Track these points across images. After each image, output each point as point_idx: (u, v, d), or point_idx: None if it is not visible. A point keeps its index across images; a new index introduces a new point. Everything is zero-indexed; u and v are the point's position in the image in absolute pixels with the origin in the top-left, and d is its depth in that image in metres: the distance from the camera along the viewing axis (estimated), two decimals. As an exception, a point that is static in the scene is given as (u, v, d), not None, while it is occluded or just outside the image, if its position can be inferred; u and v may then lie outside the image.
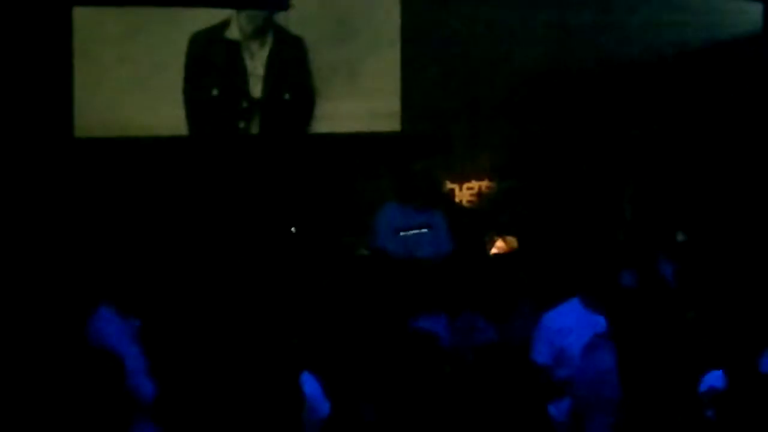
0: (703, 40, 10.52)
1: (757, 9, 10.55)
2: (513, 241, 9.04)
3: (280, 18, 9.83)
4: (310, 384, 5.54)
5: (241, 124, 9.84)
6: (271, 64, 9.85)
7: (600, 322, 6.35)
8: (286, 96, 9.94)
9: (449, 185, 10.10)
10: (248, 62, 9.82)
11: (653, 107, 10.37)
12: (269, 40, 9.87)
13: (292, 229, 9.58)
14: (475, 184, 10.23)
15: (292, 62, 9.92)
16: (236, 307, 7.22)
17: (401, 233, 8.69)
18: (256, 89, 9.84)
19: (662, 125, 10.26)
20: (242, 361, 5.46)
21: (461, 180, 10.20)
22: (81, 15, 9.36)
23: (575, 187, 9.77)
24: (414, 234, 8.71)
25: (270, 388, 3.49)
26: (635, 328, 5.59)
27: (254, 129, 9.87)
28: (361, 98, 9.99)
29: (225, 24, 9.75)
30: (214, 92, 9.73)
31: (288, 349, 5.52)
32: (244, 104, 9.81)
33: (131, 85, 9.48)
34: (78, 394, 4.86)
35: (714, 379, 5.63)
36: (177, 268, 8.05)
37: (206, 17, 9.69)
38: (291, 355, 5.44)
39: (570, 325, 6.66)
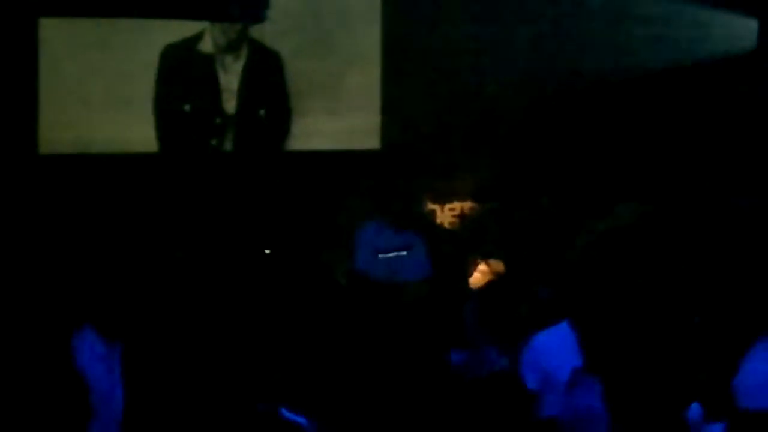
0: (696, 57, 10.48)
1: (752, 26, 10.52)
2: (497, 264, 8.88)
3: (256, 31, 9.65)
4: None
5: (214, 141, 9.67)
6: (245, 79, 9.68)
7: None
8: (262, 112, 9.77)
9: (431, 206, 9.93)
10: (222, 76, 9.66)
11: (643, 125, 10.28)
12: (244, 53, 9.72)
13: (266, 251, 9.39)
14: (457, 205, 10.10)
15: (268, 77, 9.75)
16: (210, 333, 7.04)
17: (380, 255, 8.49)
18: (230, 105, 9.68)
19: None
20: (221, 392, 5.27)
21: (443, 200, 10.07)
22: (47, 26, 9.16)
23: (562, 208, 9.66)
24: (394, 256, 8.52)
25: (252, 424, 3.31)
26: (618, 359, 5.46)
27: (228, 146, 9.71)
28: (340, 115, 9.86)
29: (198, 37, 9.58)
30: (186, 107, 9.54)
31: (269, 383, 5.28)
32: (218, 120, 9.65)
33: (99, 100, 9.32)
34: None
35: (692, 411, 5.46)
36: (148, 290, 7.88)
37: (179, 29, 9.47)
38: (272, 390, 5.20)
39: (556, 349, 6.54)
